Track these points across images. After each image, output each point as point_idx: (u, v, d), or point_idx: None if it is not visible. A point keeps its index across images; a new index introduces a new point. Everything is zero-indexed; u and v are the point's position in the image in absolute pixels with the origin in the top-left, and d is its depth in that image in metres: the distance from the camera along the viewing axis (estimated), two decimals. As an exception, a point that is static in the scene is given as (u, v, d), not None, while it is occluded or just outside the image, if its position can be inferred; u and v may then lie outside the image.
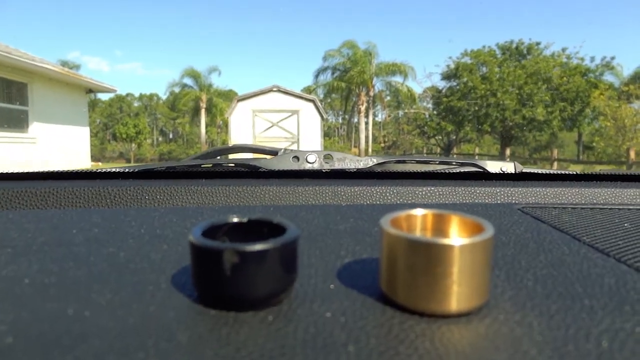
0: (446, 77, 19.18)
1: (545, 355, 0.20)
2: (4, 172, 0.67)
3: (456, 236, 0.27)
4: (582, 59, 17.66)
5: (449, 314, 0.24)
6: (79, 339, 0.21)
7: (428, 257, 0.23)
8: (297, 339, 0.21)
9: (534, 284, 0.28)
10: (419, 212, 0.28)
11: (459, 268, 0.23)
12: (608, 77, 17.80)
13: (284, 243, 0.24)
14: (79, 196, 0.57)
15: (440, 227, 0.28)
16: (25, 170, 0.66)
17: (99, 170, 0.68)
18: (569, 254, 0.33)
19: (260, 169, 0.73)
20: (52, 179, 0.66)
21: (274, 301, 0.25)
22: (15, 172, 0.66)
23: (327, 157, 0.77)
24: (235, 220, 0.28)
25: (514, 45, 18.38)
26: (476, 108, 17.78)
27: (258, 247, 0.23)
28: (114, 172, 0.69)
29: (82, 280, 0.28)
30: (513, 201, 0.60)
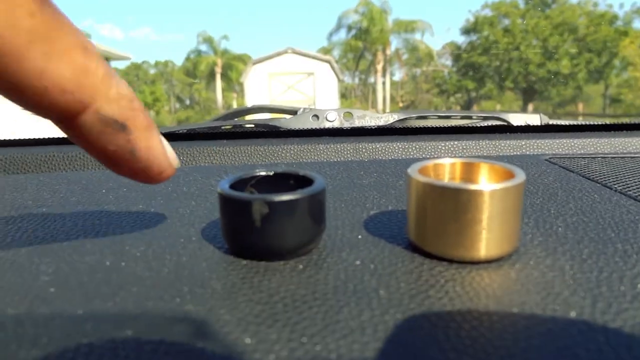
0: (466, 31, 18.52)
1: (578, 296, 0.20)
2: (32, 137, 0.68)
3: (486, 183, 0.27)
4: (611, 5, 16.78)
5: (478, 260, 0.24)
6: (118, 288, 0.22)
7: (457, 203, 0.23)
8: (329, 285, 0.22)
9: (565, 230, 0.27)
10: (446, 160, 0.28)
11: (489, 214, 0.23)
12: (638, 25, 16.91)
13: (311, 193, 0.24)
14: None
15: (469, 176, 0.28)
16: (53, 136, 0.68)
17: None
18: (600, 202, 0.33)
19: (280, 129, 0.73)
20: None
21: (303, 251, 0.25)
22: (42, 137, 0.68)
23: (347, 115, 0.76)
24: (263, 173, 0.28)
25: (538, -5, 17.54)
26: (498, 63, 17.23)
27: (286, 197, 0.23)
28: None
29: (115, 235, 0.28)
30: (540, 152, 0.59)
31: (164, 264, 0.24)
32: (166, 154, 0.22)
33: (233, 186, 0.26)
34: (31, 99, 0.17)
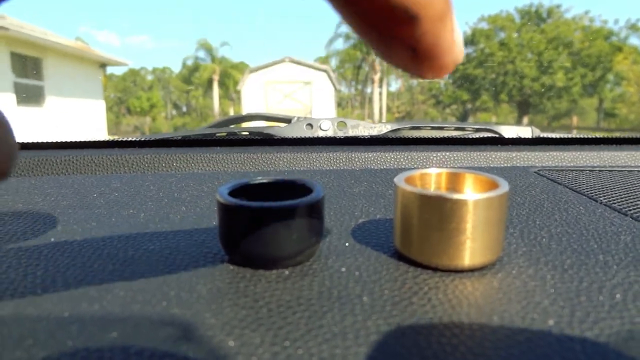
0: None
1: (558, 306, 0.21)
2: (26, 141, 0.68)
3: (471, 193, 0.27)
4: (606, 21, 17.03)
5: (462, 269, 0.24)
6: (105, 291, 0.22)
7: (441, 212, 0.23)
8: (313, 291, 0.22)
9: (548, 240, 0.28)
10: (432, 170, 0.28)
11: (473, 224, 0.23)
12: (633, 40, 17.16)
13: (296, 205, 0.24)
14: (98, 163, 0.58)
15: (454, 186, 0.28)
16: (45, 140, 0.68)
17: (116, 139, 0.69)
18: (585, 214, 0.33)
19: (274, 137, 0.73)
20: (72, 148, 0.67)
21: (287, 263, 0.24)
22: (36, 141, 0.68)
23: (341, 124, 0.76)
24: (265, 180, 0.28)
25: (533, 9, 17.75)
26: (493, 76, 17.39)
27: (266, 205, 0.23)
28: (130, 140, 0.70)
29: (104, 239, 0.29)
30: (529, 164, 0.59)
31: (151, 268, 0.24)
32: (454, 47, 0.17)
33: (235, 190, 0.26)
34: None
